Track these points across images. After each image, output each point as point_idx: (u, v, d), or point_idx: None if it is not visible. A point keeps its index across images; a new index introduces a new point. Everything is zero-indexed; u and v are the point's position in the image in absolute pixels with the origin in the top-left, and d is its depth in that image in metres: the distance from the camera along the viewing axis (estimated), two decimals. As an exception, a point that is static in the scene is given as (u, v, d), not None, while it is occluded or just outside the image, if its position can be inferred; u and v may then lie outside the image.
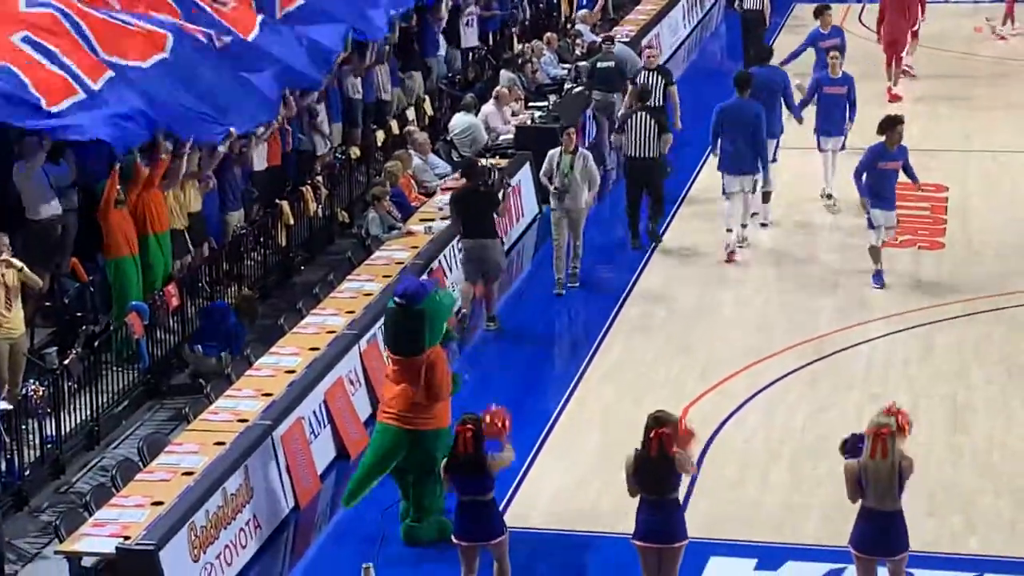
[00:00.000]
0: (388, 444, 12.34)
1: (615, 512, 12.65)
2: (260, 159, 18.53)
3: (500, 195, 17.21)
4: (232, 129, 16.49)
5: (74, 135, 14.69)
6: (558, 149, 17.64)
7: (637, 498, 10.95)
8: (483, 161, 19.30)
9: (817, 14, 22.91)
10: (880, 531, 10.56)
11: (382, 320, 13.34)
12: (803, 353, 16.03)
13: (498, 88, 22.54)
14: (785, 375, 15.52)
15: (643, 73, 21.64)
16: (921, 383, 15.31)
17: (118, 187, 15.32)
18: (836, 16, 24.01)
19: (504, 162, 20.17)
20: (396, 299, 12.61)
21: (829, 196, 20.29)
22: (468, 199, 16.60)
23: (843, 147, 20.09)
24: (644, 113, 19.05)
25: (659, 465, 10.77)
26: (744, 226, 19.12)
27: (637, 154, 18.98)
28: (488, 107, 22.09)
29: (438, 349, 12.54)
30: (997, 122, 24.57)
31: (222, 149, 16.98)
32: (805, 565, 11.98)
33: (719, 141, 18.70)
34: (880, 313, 17.06)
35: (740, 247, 18.92)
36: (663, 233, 19.67)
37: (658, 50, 24.24)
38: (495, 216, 16.64)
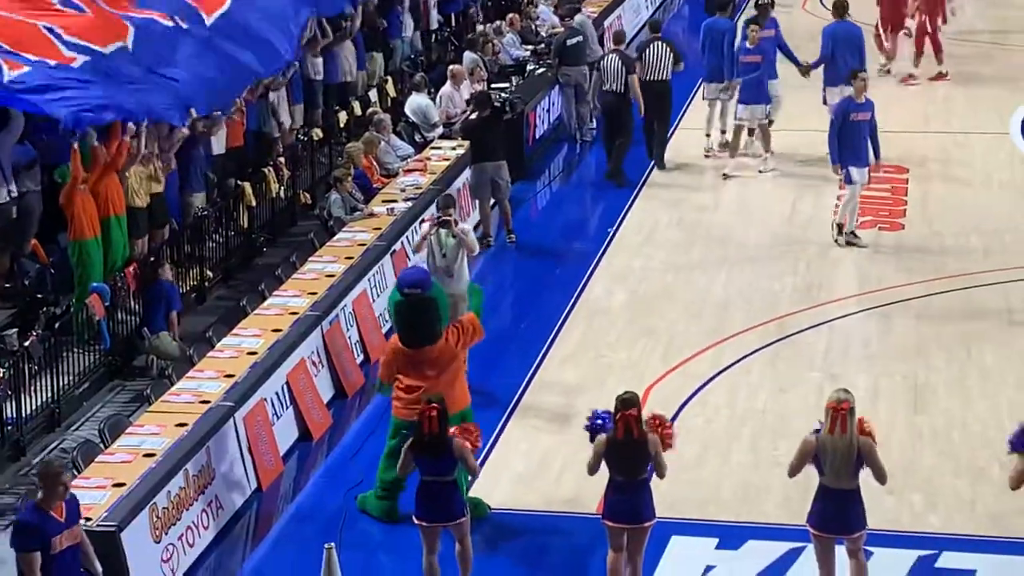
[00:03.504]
0: None
1: (577, 493, 12.72)
2: (219, 143, 18.47)
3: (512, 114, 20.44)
4: (192, 109, 16.42)
5: (26, 107, 14.56)
6: (435, 230, 15.08)
7: (604, 479, 11.00)
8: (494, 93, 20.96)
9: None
10: (838, 509, 10.62)
11: (391, 316, 13.09)
12: (764, 333, 16.10)
13: (452, 67, 22.53)
14: (746, 355, 15.59)
15: (607, 56, 21.73)
16: (881, 363, 15.40)
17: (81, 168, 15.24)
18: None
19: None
20: (406, 290, 12.56)
21: (852, 233, 18.54)
22: (483, 127, 18.91)
23: (868, 180, 18.65)
24: (659, 42, 21.41)
25: (628, 447, 10.81)
26: (723, 132, 21.77)
27: (653, 78, 21.21)
28: (445, 87, 22.07)
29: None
30: (956, 103, 24.71)
31: (184, 131, 16.92)
32: (766, 544, 12.03)
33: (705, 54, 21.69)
34: (840, 293, 17.15)
35: (716, 152, 21.83)
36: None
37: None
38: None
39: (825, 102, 21.26)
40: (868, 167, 18.37)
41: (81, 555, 10.15)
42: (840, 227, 18.56)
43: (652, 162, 21.79)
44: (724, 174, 21.08)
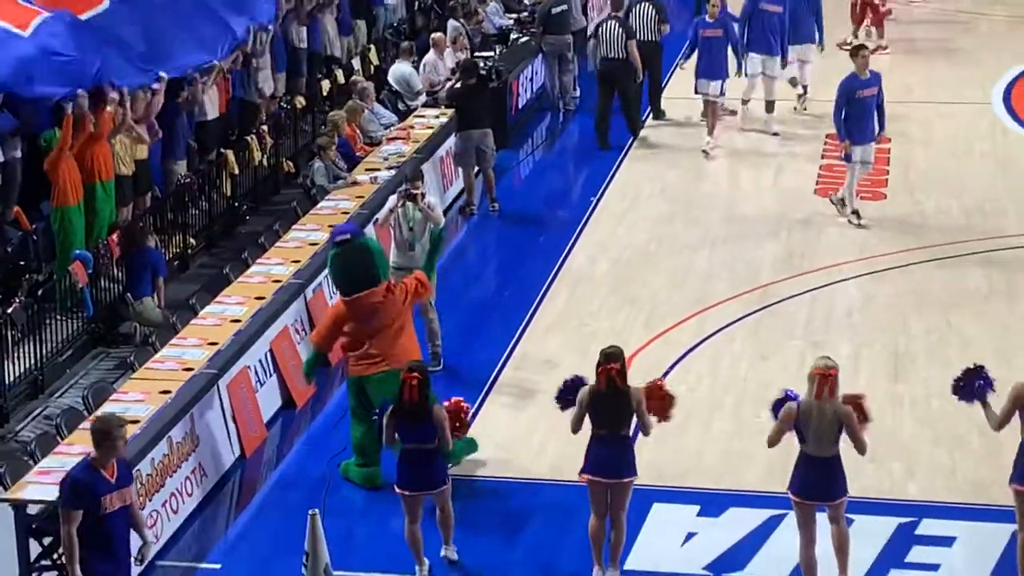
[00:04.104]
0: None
1: (559, 459, 12.77)
2: (212, 107, 18.46)
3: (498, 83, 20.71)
4: (162, 74, 16.44)
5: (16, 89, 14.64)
6: (402, 202, 14.96)
7: (584, 443, 11.07)
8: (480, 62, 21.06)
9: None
10: (819, 477, 10.68)
11: (329, 270, 13.23)
12: (747, 302, 16.16)
13: (435, 35, 22.53)
14: (729, 324, 15.65)
15: (607, 22, 21.76)
16: (862, 332, 15.47)
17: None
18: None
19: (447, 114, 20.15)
20: (338, 239, 12.74)
21: (841, 201, 18.45)
22: (469, 94, 18.93)
23: (873, 158, 18.33)
24: (646, 4, 21.79)
25: (611, 399, 10.89)
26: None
27: (639, 39, 21.41)
28: (428, 55, 22.08)
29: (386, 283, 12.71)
30: (938, 73, 24.75)
31: (157, 86, 16.79)
32: (747, 511, 12.11)
33: None
34: (822, 263, 17.22)
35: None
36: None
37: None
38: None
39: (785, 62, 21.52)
40: (872, 143, 18.09)
41: (131, 519, 10.10)
42: (855, 211, 18.24)
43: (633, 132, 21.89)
44: (703, 151, 20.95)
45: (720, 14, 20.85)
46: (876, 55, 24.81)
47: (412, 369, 11.22)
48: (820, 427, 10.61)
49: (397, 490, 11.30)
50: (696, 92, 21.10)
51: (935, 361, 14.77)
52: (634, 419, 11.10)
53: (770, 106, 21.61)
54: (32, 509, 11.21)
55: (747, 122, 21.71)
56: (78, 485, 9.81)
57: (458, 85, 19.32)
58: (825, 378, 10.57)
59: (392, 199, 15.19)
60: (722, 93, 21.04)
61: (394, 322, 12.59)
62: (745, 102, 21.71)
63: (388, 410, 11.32)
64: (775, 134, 21.51)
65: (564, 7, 23.05)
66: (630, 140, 21.56)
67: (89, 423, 10.25)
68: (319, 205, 17.24)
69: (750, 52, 21.24)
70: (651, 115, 22.41)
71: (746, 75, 21.34)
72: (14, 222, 15.70)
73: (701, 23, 20.89)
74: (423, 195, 14.89)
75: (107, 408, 12.47)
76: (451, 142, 19.46)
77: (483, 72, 20.07)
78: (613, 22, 21.42)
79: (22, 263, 15.36)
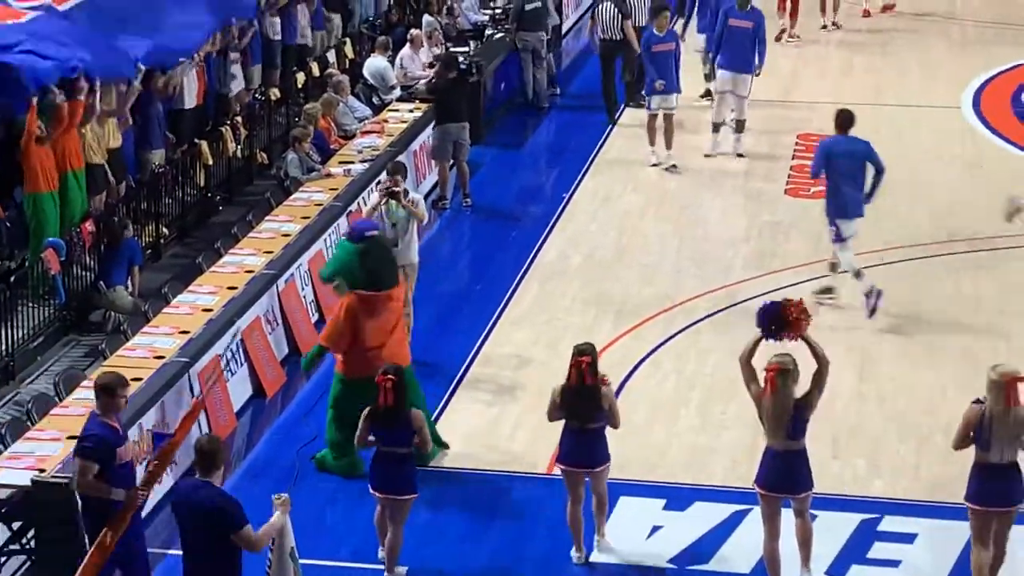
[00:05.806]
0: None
1: (527, 451, 12.88)
2: (191, 97, 18.50)
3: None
4: (140, 65, 16.50)
5: None
6: (385, 200, 14.83)
7: (553, 435, 11.16)
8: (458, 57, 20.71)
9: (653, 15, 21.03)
10: (784, 470, 10.77)
11: (351, 266, 12.71)
12: (716, 300, 16.27)
13: (413, 31, 22.64)
14: (697, 321, 15.76)
15: (601, 4, 22.15)
16: (829, 331, 15.49)
17: (40, 124, 15.22)
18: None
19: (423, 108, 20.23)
20: (367, 234, 12.79)
21: None
22: (447, 87, 18.98)
23: None
24: (608, 3, 21.97)
25: (581, 394, 11.04)
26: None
27: (606, 37, 22.11)
28: (404, 50, 22.17)
29: None
30: (909, 76, 24.91)
31: (137, 85, 16.89)
32: (712, 506, 12.22)
33: None
34: (791, 262, 17.34)
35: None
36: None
37: None
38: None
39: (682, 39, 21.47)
40: None
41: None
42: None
43: (609, 126, 22.09)
44: (673, 164, 20.40)
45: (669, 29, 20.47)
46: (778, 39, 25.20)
47: (387, 372, 11.13)
48: (776, 419, 10.70)
49: (370, 490, 11.29)
50: (648, 108, 20.47)
51: (901, 361, 14.91)
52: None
53: (740, 125, 20.85)
54: (2, 493, 11.25)
55: (717, 147, 20.90)
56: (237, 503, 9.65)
57: (439, 79, 19.40)
58: (766, 373, 10.68)
59: (374, 197, 15.14)
60: (676, 106, 20.45)
61: (397, 323, 12.65)
62: (717, 127, 20.93)
63: (365, 411, 11.27)
64: (740, 155, 20.86)
65: (538, 4, 23.11)
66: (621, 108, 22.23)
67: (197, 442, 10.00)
68: (292, 196, 17.30)
69: (719, 70, 20.71)
70: (626, 104, 22.57)
71: (714, 92, 21.15)
72: (-14, 208, 15.71)
73: (652, 37, 20.20)
74: (406, 192, 14.82)
75: (78, 394, 12.52)
76: (424, 136, 19.52)
77: (463, 66, 20.17)
78: (608, 3, 21.80)
79: (-6, 249, 15.40)
